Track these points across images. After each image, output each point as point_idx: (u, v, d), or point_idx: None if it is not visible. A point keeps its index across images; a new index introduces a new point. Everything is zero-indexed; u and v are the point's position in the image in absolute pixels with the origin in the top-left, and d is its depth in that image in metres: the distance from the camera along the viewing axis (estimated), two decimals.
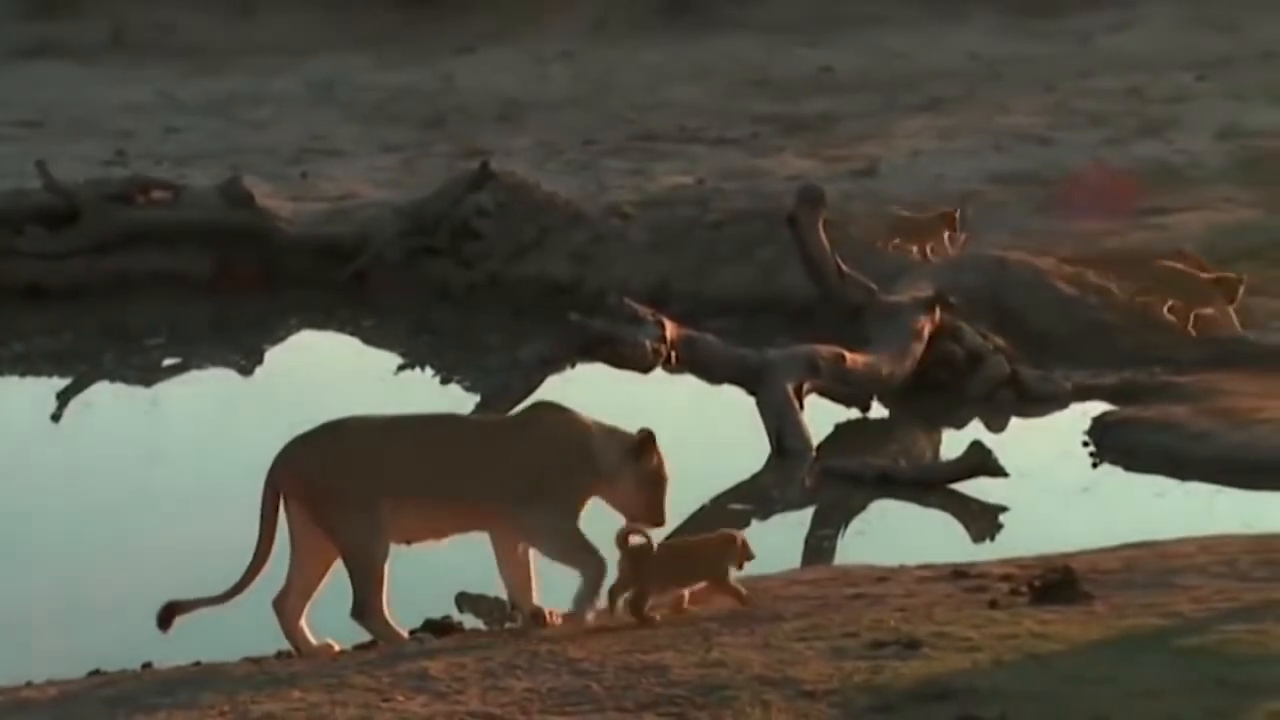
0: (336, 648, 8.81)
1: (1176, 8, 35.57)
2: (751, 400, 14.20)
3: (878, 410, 15.13)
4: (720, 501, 12.83)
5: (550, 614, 8.78)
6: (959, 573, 9.33)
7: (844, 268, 15.85)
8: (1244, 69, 30.06)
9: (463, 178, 21.05)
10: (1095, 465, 13.60)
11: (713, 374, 14.65)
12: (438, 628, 9.39)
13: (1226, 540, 9.84)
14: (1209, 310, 16.02)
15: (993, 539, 11.96)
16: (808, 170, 23.21)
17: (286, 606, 8.89)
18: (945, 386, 15.39)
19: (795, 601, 9.00)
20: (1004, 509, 12.46)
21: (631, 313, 14.01)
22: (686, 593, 8.78)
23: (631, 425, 8.85)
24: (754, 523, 12.44)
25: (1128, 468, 13.46)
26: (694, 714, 7.03)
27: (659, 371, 14.14)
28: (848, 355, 14.65)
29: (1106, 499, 12.92)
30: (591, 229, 20.10)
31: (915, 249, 18.00)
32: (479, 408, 13.59)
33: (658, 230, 19.86)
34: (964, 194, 20.93)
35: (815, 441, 14.02)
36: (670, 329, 14.06)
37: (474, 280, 20.02)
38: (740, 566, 8.83)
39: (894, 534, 12.20)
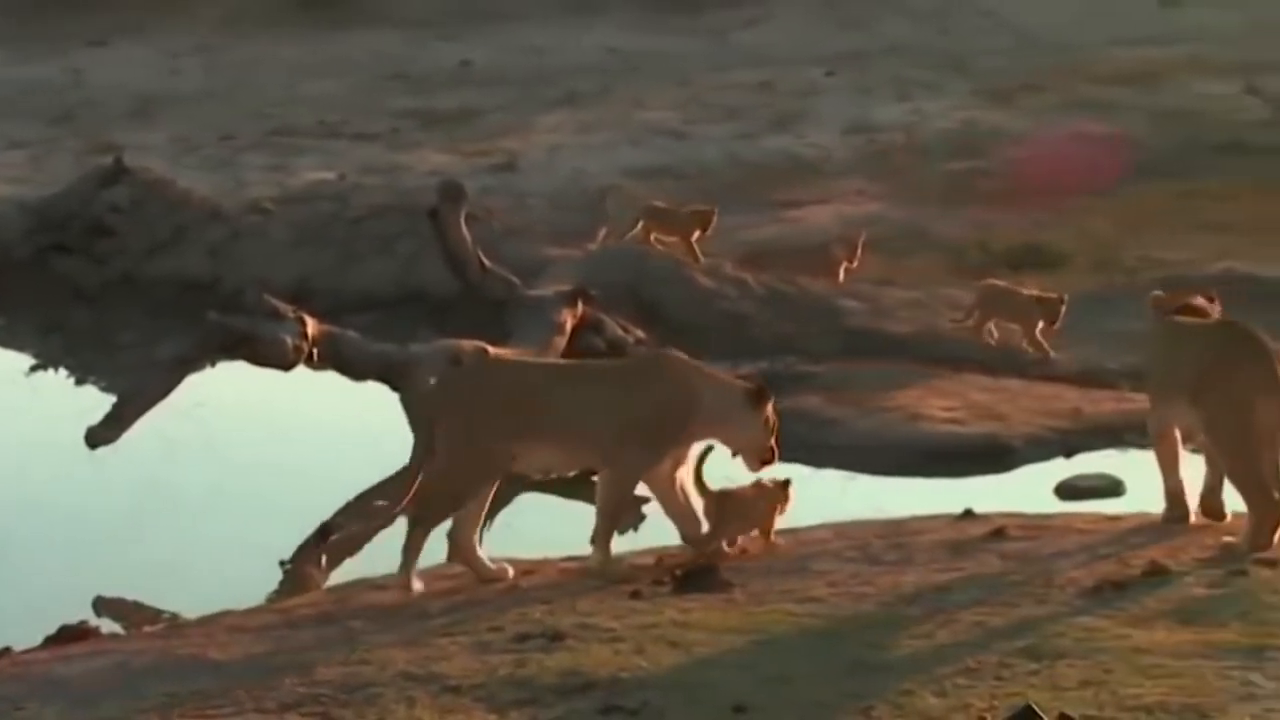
0: (511, 572, 9.17)
1: (807, 5, 36.37)
2: (395, 396, 14.14)
3: None
4: (367, 497, 12.73)
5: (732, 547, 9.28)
6: None
7: (486, 262, 15.88)
8: (871, 65, 30.86)
9: (94, 174, 20.59)
10: (734, 454, 13.81)
11: (355, 370, 14.55)
12: (73, 634, 9.17)
13: (859, 525, 10.08)
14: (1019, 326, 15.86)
15: (636, 530, 12.05)
16: (448, 165, 23.22)
17: (461, 536, 9.19)
18: None
19: (441, 597, 9.00)
20: (646, 500, 12.56)
21: (271, 309, 13.84)
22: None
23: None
24: (401, 520, 12.37)
25: None
26: (338, 713, 6.99)
27: (301, 369, 14.00)
28: (490, 349, 14.66)
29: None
30: (230, 225, 19.83)
31: (673, 240, 17.94)
32: (114, 410, 13.30)
33: (297, 226, 19.67)
34: (602, 188, 21.14)
35: None
36: (311, 325, 13.93)
37: (108, 278, 19.60)
38: (782, 512, 9.41)
39: (539, 527, 12.22)
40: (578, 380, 9.50)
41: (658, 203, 18.62)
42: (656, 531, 11.28)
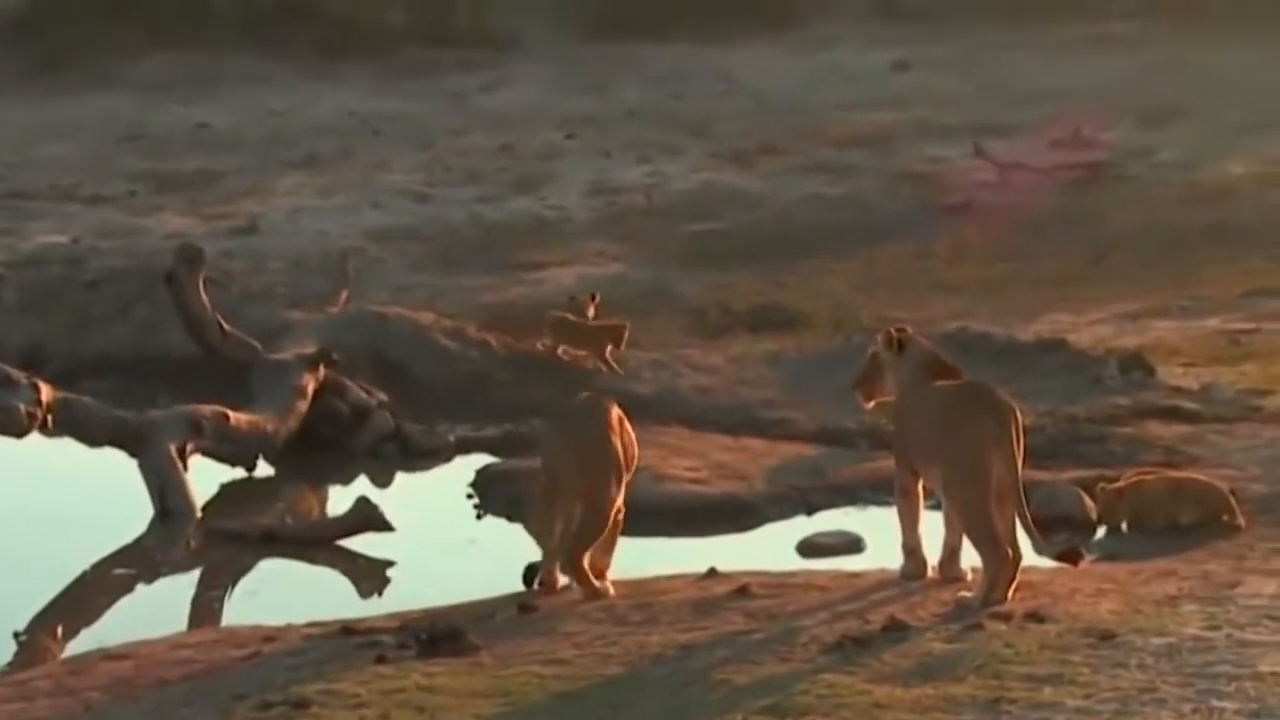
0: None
1: (546, 68, 36.60)
2: (134, 462, 13.92)
3: (264, 469, 15.03)
4: (104, 566, 12.51)
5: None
6: (348, 629, 9.33)
7: (225, 326, 15.71)
8: (610, 128, 31.11)
9: None
10: (480, 517, 13.81)
11: (92, 436, 14.30)
12: None
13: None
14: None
15: (381, 594, 12.01)
16: (187, 228, 22.95)
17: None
18: (331, 443, 15.41)
19: (181, 666, 8.87)
20: (391, 563, 12.53)
21: (4, 376, 13.56)
22: None
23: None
24: (139, 587, 12.18)
25: (511, 518, 13.67)
26: None
27: (35, 435, 13.73)
28: (231, 414, 14.51)
29: (492, 549, 13.11)
30: None
31: (583, 353, 16.91)
32: None
33: (30, 290, 19.32)
34: (344, 250, 21.02)
35: (200, 502, 13.83)
36: (45, 391, 13.67)
37: None
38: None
39: (282, 593, 12.11)
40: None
41: (566, 315, 17.35)
42: (402, 595, 11.25)
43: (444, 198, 25.59)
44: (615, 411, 10.09)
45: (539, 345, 17.19)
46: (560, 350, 17.05)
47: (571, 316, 17.31)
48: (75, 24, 37.20)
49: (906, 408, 9.51)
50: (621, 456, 9.89)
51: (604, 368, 16.76)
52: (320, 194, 25.84)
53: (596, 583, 9.71)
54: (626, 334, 16.94)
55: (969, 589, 8.99)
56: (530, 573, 9.84)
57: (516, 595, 9.83)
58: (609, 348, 16.86)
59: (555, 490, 9.80)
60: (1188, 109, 30.49)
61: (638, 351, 17.30)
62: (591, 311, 17.44)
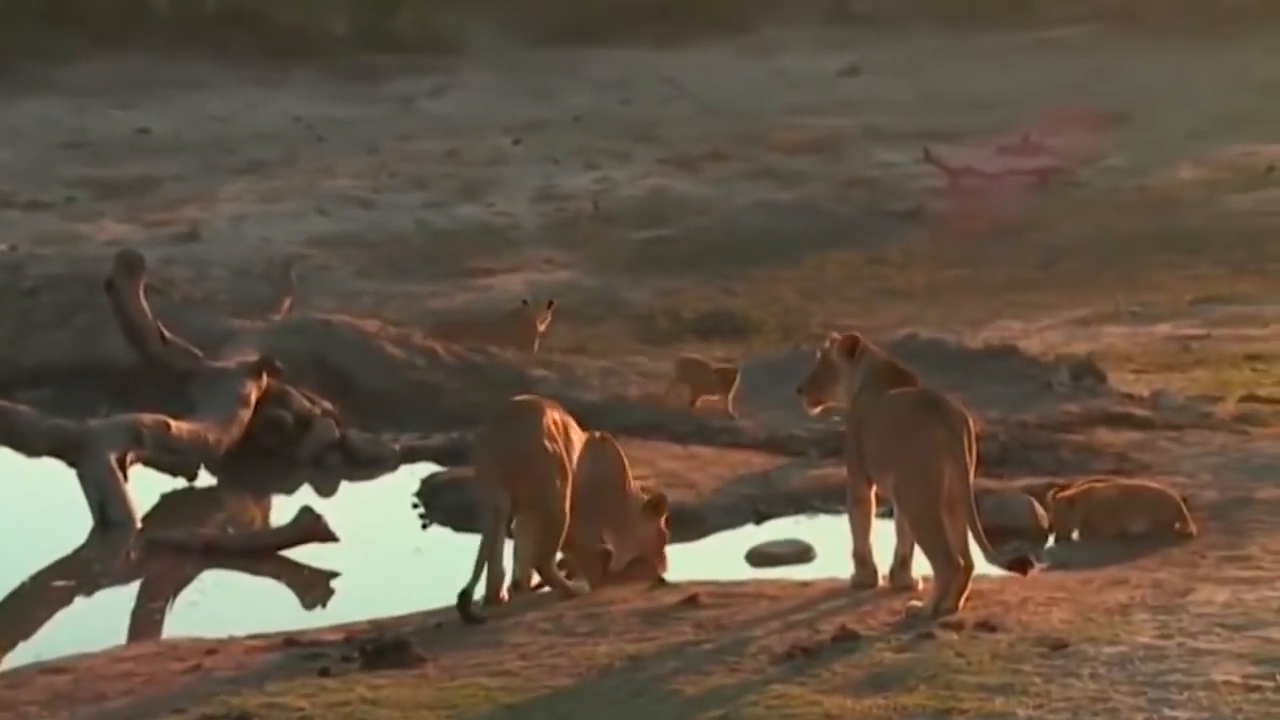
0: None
1: (493, 75, 36.55)
2: (73, 472, 13.76)
3: (206, 478, 14.88)
4: (42, 578, 12.35)
5: None
6: (291, 641, 9.24)
7: (166, 333, 15.55)
8: (558, 133, 31.07)
9: None
10: (425, 526, 13.69)
11: (31, 446, 14.13)
12: None
13: (552, 596, 10.05)
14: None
15: (325, 605, 11.87)
16: (127, 235, 22.81)
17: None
18: (274, 452, 15.26)
19: (121, 679, 8.74)
20: (336, 574, 12.40)
21: None
22: None
23: None
24: (78, 599, 12.02)
25: (457, 528, 13.57)
26: None
27: None
28: (173, 423, 14.35)
29: (438, 559, 13.00)
30: None
31: (704, 397, 15.87)
32: None
33: None
34: (288, 257, 20.90)
35: (141, 512, 13.67)
36: None
37: None
38: None
39: (224, 604, 11.97)
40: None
41: (694, 356, 16.56)
42: (346, 606, 11.13)
43: (390, 204, 25.49)
44: (551, 414, 10.13)
45: (691, 402, 15.96)
46: (698, 400, 15.94)
47: (698, 356, 16.56)
48: (12, 28, 36.98)
49: (860, 415, 9.44)
50: (561, 456, 9.90)
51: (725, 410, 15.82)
52: (264, 200, 25.71)
53: (569, 583, 9.94)
54: (738, 380, 15.91)
55: (920, 598, 8.93)
56: (463, 600, 9.46)
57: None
58: (730, 391, 15.83)
59: (491, 503, 9.77)
60: (1136, 115, 30.60)
61: (585, 359, 17.21)
62: (547, 319, 17.39)
